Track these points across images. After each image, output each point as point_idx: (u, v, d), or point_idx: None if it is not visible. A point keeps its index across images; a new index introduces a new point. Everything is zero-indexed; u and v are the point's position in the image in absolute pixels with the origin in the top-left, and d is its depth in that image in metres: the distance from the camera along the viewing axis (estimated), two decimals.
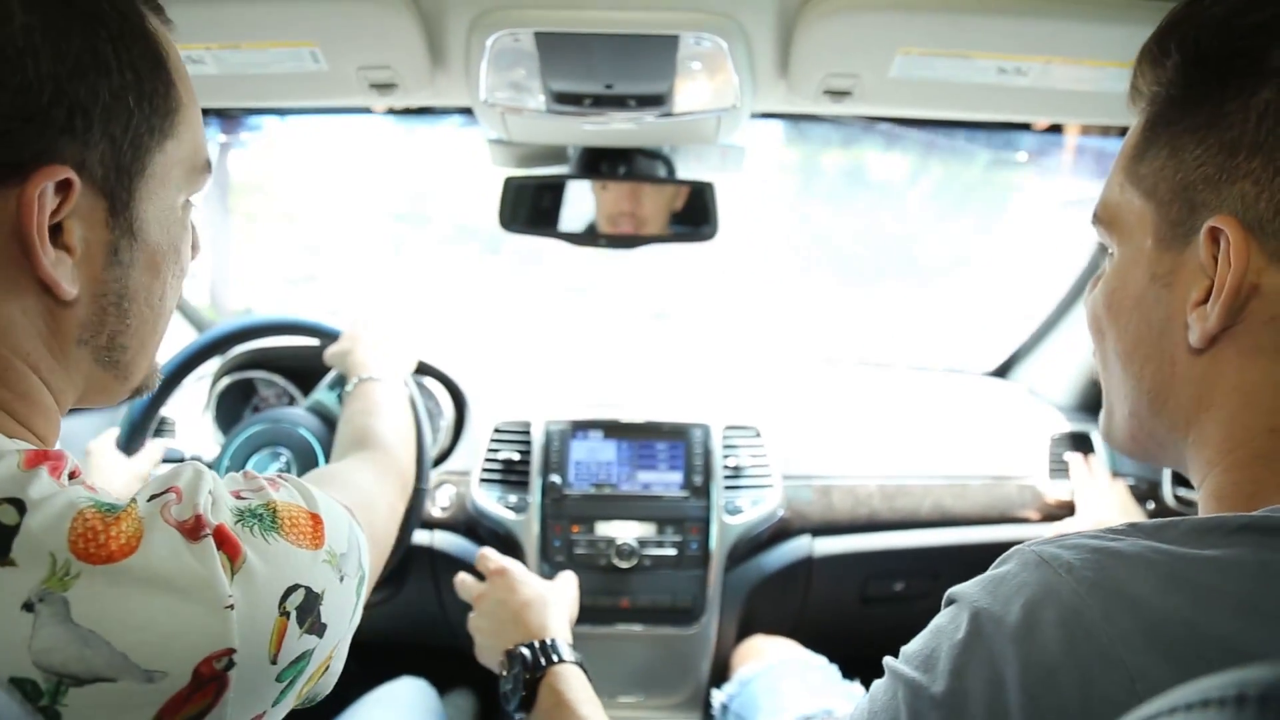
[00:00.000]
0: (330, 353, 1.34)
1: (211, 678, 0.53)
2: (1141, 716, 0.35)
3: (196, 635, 0.53)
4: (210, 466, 1.38)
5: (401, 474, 1.05)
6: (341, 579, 0.64)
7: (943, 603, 0.58)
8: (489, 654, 1.10)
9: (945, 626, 0.55)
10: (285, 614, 0.57)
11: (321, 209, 2.77)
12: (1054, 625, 0.49)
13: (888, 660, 0.60)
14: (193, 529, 0.55)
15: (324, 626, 0.61)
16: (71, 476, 0.57)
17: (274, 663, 0.57)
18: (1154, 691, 0.39)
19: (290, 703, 0.63)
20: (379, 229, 2.89)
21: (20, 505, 0.51)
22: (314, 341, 1.47)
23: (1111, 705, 0.46)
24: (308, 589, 0.60)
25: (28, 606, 0.49)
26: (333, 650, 0.65)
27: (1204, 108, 0.57)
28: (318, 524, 0.63)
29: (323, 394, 1.45)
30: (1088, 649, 0.48)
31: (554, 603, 1.13)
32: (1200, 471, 0.61)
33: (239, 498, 0.61)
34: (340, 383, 1.39)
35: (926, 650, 0.56)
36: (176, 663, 0.52)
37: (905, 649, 0.58)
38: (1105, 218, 0.66)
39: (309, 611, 0.60)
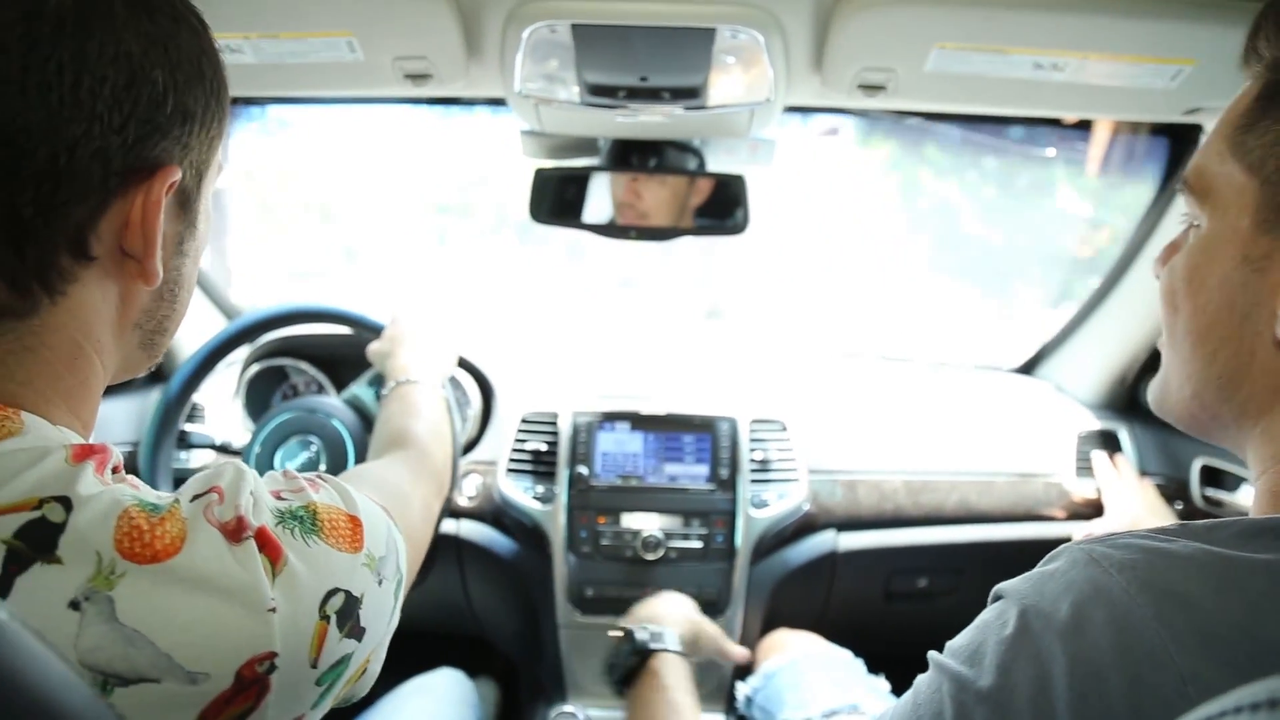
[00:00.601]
0: (372, 350, 1.34)
1: (253, 680, 0.54)
2: (1200, 718, 0.35)
3: (239, 637, 0.53)
4: (240, 453, 1.41)
5: (437, 475, 1.06)
6: (380, 582, 0.65)
7: (989, 599, 0.58)
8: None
9: (992, 622, 0.55)
10: (325, 618, 0.58)
11: (359, 201, 2.78)
12: (1103, 624, 0.49)
13: (933, 655, 0.59)
14: (235, 530, 0.55)
15: (363, 630, 0.62)
16: (114, 471, 0.58)
17: (314, 666, 0.58)
18: (1206, 694, 0.38)
19: (328, 705, 0.63)
20: (422, 221, 2.89)
21: (67, 503, 0.52)
22: (347, 331, 1.47)
23: (1162, 705, 0.46)
24: (347, 593, 0.60)
25: (74, 605, 0.50)
26: (371, 653, 0.66)
27: None
28: (357, 527, 0.64)
29: (361, 389, 1.45)
30: (1138, 649, 0.47)
31: (677, 605, 1.25)
32: (1261, 464, 0.59)
33: (279, 498, 0.62)
34: (379, 381, 1.40)
35: (973, 645, 0.55)
36: (219, 664, 0.52)
37: (951, 644, 0.58)
38: (1198, 186, 0.62)
39: (349, 615, 0.60)
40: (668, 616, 1.21)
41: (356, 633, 0.61)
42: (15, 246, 0.53)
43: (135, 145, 0.56)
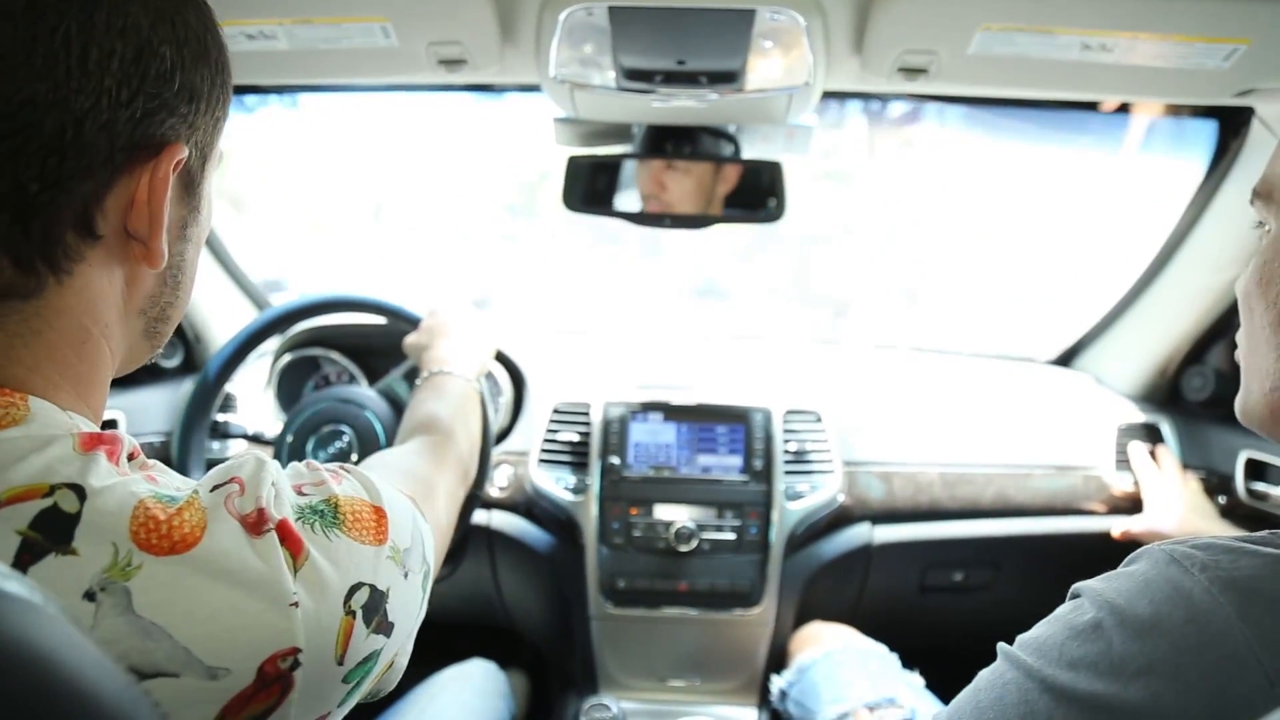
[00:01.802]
0: (409, 343, 1.33)
1: (276, 677, 0.53)
2: None
3: (261, 632, 0.52)
4: (272, 443, 1.41)
5: (462, 461, 1.05)
6: (406, 575, 0.64)
7: (1068, 595, 0.57)
8: None
9: (1067, 616, 0.54)
10: (351, 613, 0.57)
11: (420, 199, 2.79)
12: (1183, 623, 0.48)
13: (1002, 645, 0.58)
14: (255, 523, 0.55)
15: (391, 625, 0.61)
16: (130, 458, 0.57)
17: (341, 663, 0.57)
18: None
19: (354, 702, 0.62)
20: (491, 222, 2.90)
21: (80, 492, 0.51)
22: (380, 320, 1.47)
23: (1246, 705, 0.44)
24: (372, 587, 0.59)
25: (89, 596, 0.49)
26: (399, 647, 0.65)
27: None
28: (381, 518, 0.63)
29: (395, 382, 1.45)
30: (1219, 648, 0.46)
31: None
32: None
33: (300, 493, 0.61)
34: (414, 374, 1.39)
35: (1044, 638, 0.54)
36: (240, 660, 0.51)
37: (1022, 636, 0.57)
38: (1265, 191, 0.62)
39: (375, 610, 0.59)
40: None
41: (384, 628, 0.60)
42: (21, 222, 0.52)
43: (143, 120, 0.55)
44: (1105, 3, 0.95)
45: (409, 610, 0.64)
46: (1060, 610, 0.56)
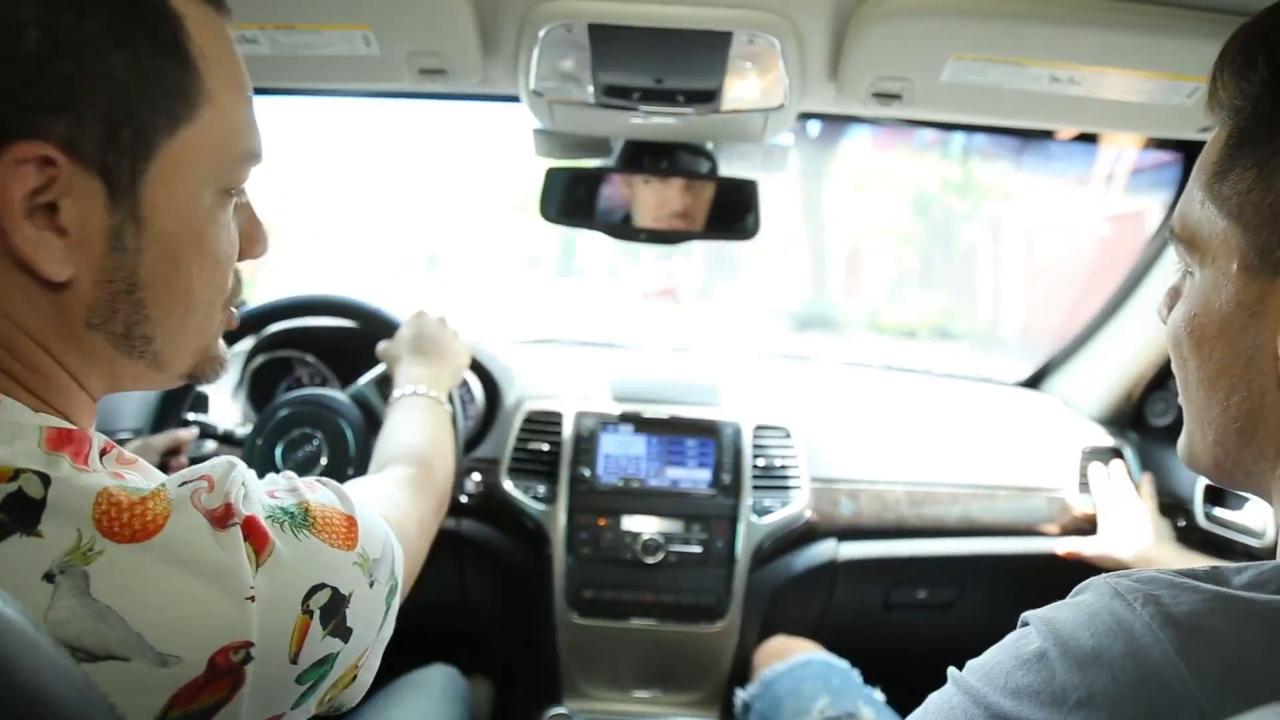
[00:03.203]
0: (383, 350, 1.33)
1: (228, 670, 0.53)
2: None
3: (214, 622, 0.52)
4: (241, 443, 1.40)
5: (439, 493, 1.05)
6: (372, 584, 0.64)
7: (1019, 623, 0.58)
8: None
9: (1015, 646, 0.55)
10: (309, 612, 0.57)
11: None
12: (1122, 655, 0.48)
13: (952, 670, 0.59)
14: (221, 517, 0.55)
15: (349, 631, 0.61)
16: (103, 453, 0.57)
17: (294, 662, 0.57)
18: None
19: (311, 708, 0.62)
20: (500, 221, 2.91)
21: (45, 479, 0.51)
22: (352, 324, 1.47)
23: None
24: (334, 589, 0.59)
25: (49, 577, 0.50)
26: (360, 659, 0.65)
27: None
28: (352, 525, 0.63)
29: (367, 388, 1.43)
30: (1156, 682, 0.47)
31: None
32: None
33: (272, 496, 0.61)
34: (386, 382, 1.39)
35: (992, 665, 0.55)
36: (191, 649, 0.52)
37: (971, 662, 0.58)
38: (1184, 236, 0.62)
39: (334, 613, 0.59)
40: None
41: (342, 632, 0.60)
42: None
43: None
44: (1073, 37, 0.97)
45: (370, 619, 0.64)
46: (1009, 638, 0.57)
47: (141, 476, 0.57)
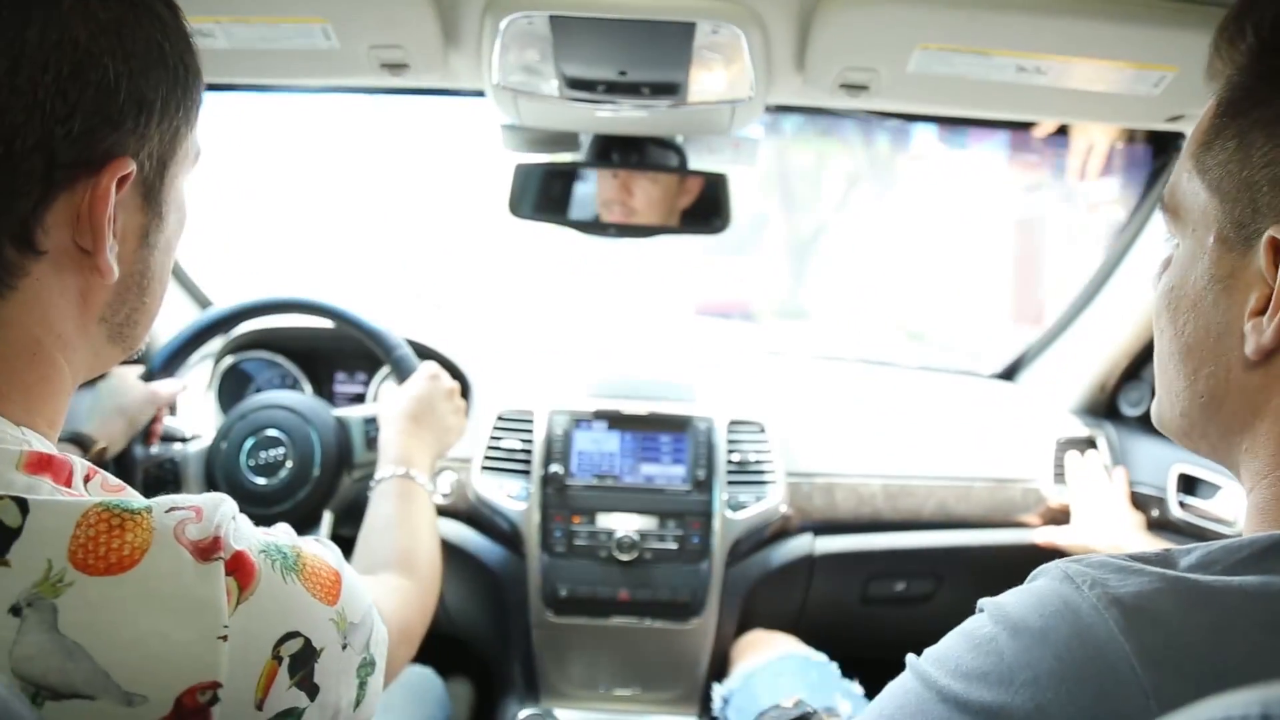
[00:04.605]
0: (384, 403, 1.29)
1: (194, 711, 0.51)
2: None
3: (183, 661, 0.51)
4: (210, 444, 1.38)
5: (428, 604, 1.01)
6: (344, 647, 0.62)
7: (976, 609, 0.58)
8: None
9: (967, 630, 0.56)
10: (278, 658, 0.56)
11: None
12: (1069, 637, 0.49)
13: (910, 658, 0.60)
14: (207, 549, 0.54)
15: (316, 688, 0.59)
16: (87, 479, 0.56)
17: (259, 709, 0.55)
18: (1170, 708, 0.38)
19: None
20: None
21: (24, 505, 0.50)
22: (326, 324, 1.45)
23: (1123, 718, 0.46)
24: (307, 640, 0.58)
25: (15, 610, 0.48)
26: None
27: (1277, 101, 0.54)
28: (337, 582, 0.63)
29: (353, 419, 1.40)
30: (1101, 662, 0.48)
31: None
32: (1250, 480, 0.59)
33: (267, 534, 0.60)
34: (373, 423, 1.36)
35: (945, 651, 0.56)
36: (159, 688, 0.50)
37: (929, 650, 0.58)
38: (1170, 206, 0.62)
39: (303, 664, 0.58)
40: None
41: (308, 686, 0.58)
42: None
43: (82, 136, 0.54)
44: (1039, 27, 0.97)
45: (338, 682, 0.62)
46: (964, 624, 0.57)
47: (128, 499, 0.56)
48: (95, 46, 0.54)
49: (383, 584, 0.93)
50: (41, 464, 0.53)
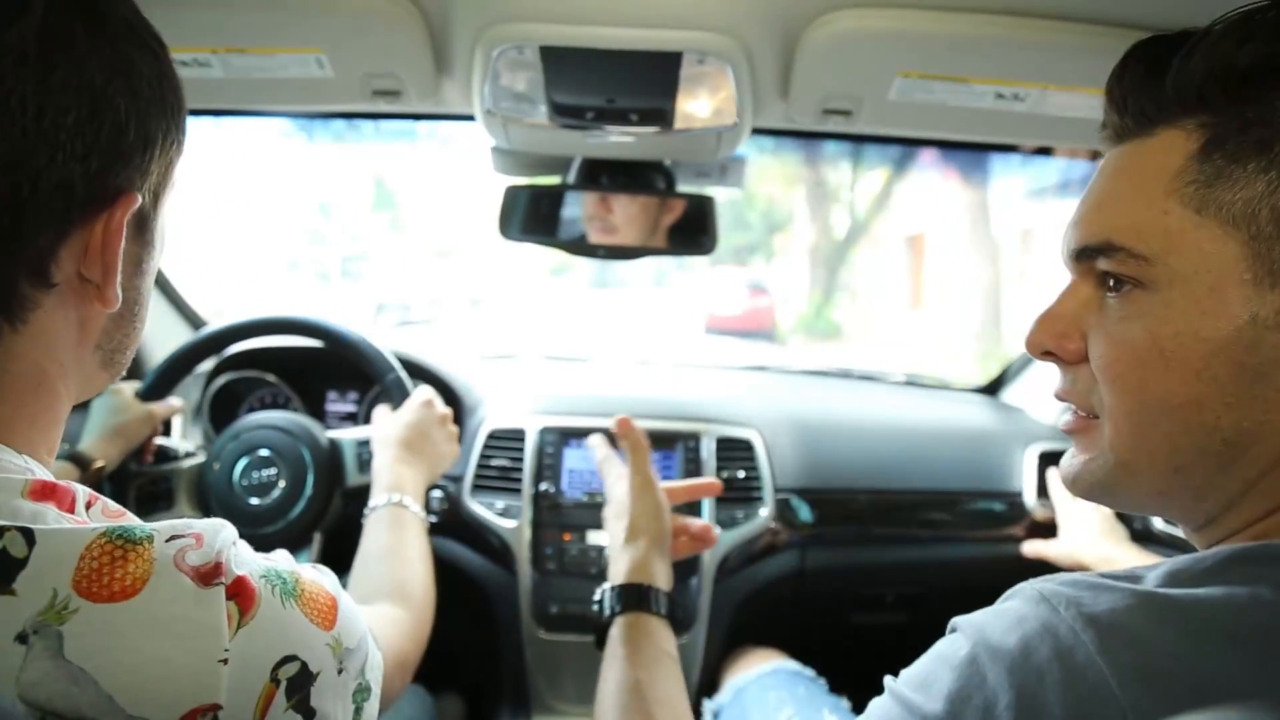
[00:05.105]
0: (377, 429, 1.30)
1: None
2: None
3: (185, 684, 0.52)
4: (202, 463, 1.39)
5: (421, 628, 1.01)
6: (340, 671, 0.63)
7: (947, 629, 0.59)
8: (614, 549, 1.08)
9: (944, 652, 0.56)
10: (276, 681, 0.57)
11: None
12: (1048, 658, 0.50)
13: (888, 680, 0.61)
14: (208, 574, 0.55)
15: (312, 711, 0.60)
16: (88, 506, 0.57)
17: None
18: None
19: None
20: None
21: (30, 536, 0.51)
22: (317, 344, 1.46)
23: None
24: (304, 664, 0.59)
25: (21, 638, 0.49)
26: None
27: None
28: (334, 608, 0.64)
29: (346, 442, 1.42)
30: (1081, 683, 0.49)
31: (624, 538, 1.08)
32: (1254, 514, 0.57)
33: (266, 561, 0.61)
34: (366, 445, 1.38)
35: (925, 674, 0.57)
36: (161, 711, 0.51)
37: (905, 671, 0.59)
38: (1148, 251, 0.58)
39: (300, 688, 0.59)
40: (620, 559, 1.06)
41: (305, 710, 0.59)
42: None
43: (98, 174, 0.56)
44: (1016, 56, 0.99)
45: (334, 708, 0.63)
46: (938, 645, 0.58)
47: (130, 525, 0.57)
48: (110, 88, 0.56)
49: (378, 614, 0.94)
50: (46, 491, 0.54)
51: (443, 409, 1.33)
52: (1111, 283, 0.61)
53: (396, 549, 1.08)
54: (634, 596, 1.00)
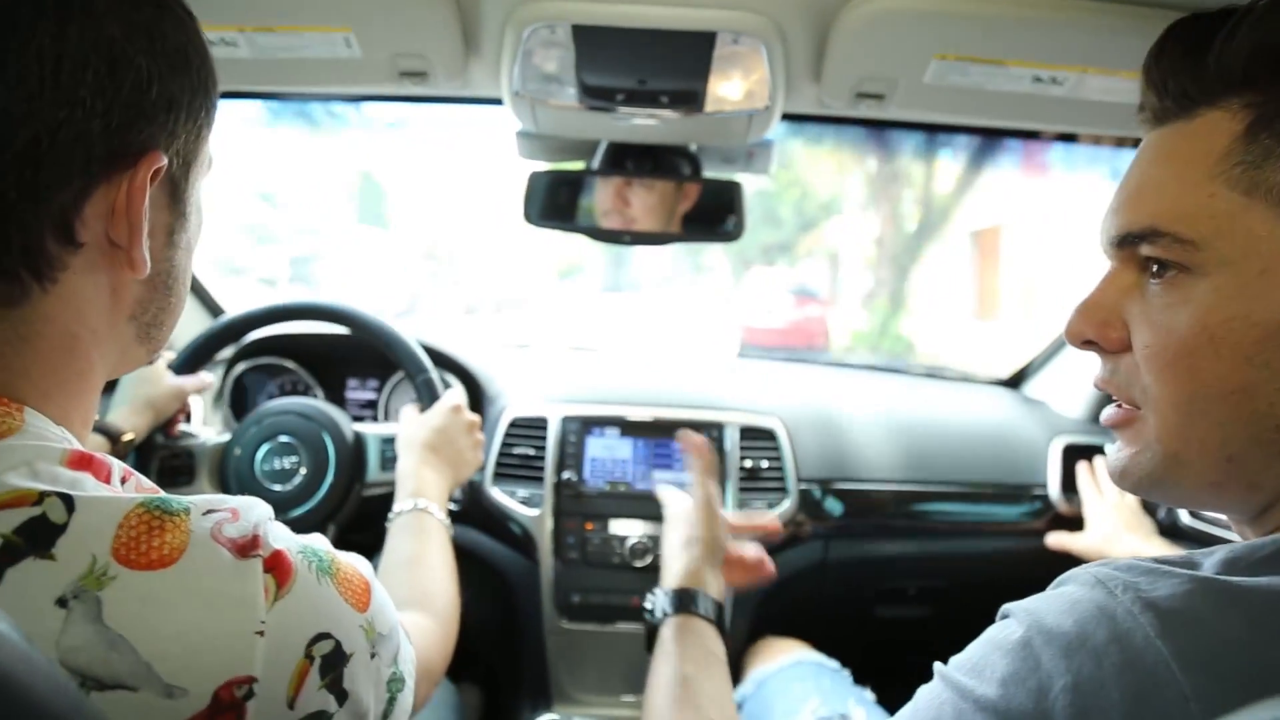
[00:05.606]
0: (404, 429, 1.29)
1: (230, 704, 0.52)
2: None
3: (222, 654, 0.52)
4: (224, 447, 1.39)
5: (447, 637, 1.00)
6: (372, 655, 0.63)
7: (998, 616, 0.58)
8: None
9: (997, 637, 0.55)
10: (310, 658, 0.57)
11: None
12: (1106, 642, 0.49)
13: (938, 665, 0.60)
14: (245, 546, 0.55)
15: (345, 693, 0.60)
16: (123, 480, 0.58)
17: (291, 708, 0.56)
18: (1211, 713, 0.38)
19: None
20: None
21: (70, 502, 0.51)
22: (339, 329, 1.45)
23: None
24: (339, 642, 0.59)
25: (61, 602, 0.49)
26: None
27: None
28: (368, 591, 0.64)
29: (371, 437, 1.41)
30: (1139, 667, 0.48)
31: (678, 545, 1.13)
32: None
33: (302, 538, 0.61)
34: (390, 443, 1.38)
35: (977, 658, 0.56)
36: (198, 681, 0.51)
37: (955, 658, 0.58)
38: (1195, 235, 0.57)
39: (333, 666, 0.59)
40: (673, 565, 1.10)
41: (337, 690, 0.59)
42: (1, 232, 0.53)
43: (119, 130, 0.56)
44: (1055, 38, 0.97)
45: (367, 691, 0.62)
46: (990, 631, 0.57)
47: (167, 498, 0.57)
48: (130, 45, 0.56)
49: (405, 621, 0.93)
50: (84, 462, 0.55)
51: (470, 416, 1.32)
52: (1155, 269, 0.60)
53: (421, 557, 1.08)
54: (686, 600, 1.02)
